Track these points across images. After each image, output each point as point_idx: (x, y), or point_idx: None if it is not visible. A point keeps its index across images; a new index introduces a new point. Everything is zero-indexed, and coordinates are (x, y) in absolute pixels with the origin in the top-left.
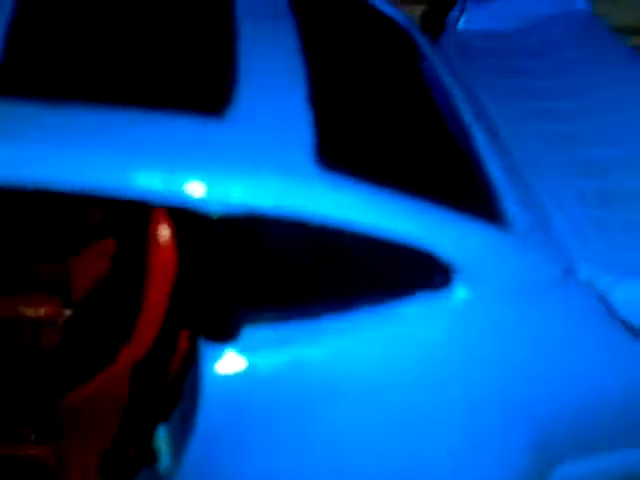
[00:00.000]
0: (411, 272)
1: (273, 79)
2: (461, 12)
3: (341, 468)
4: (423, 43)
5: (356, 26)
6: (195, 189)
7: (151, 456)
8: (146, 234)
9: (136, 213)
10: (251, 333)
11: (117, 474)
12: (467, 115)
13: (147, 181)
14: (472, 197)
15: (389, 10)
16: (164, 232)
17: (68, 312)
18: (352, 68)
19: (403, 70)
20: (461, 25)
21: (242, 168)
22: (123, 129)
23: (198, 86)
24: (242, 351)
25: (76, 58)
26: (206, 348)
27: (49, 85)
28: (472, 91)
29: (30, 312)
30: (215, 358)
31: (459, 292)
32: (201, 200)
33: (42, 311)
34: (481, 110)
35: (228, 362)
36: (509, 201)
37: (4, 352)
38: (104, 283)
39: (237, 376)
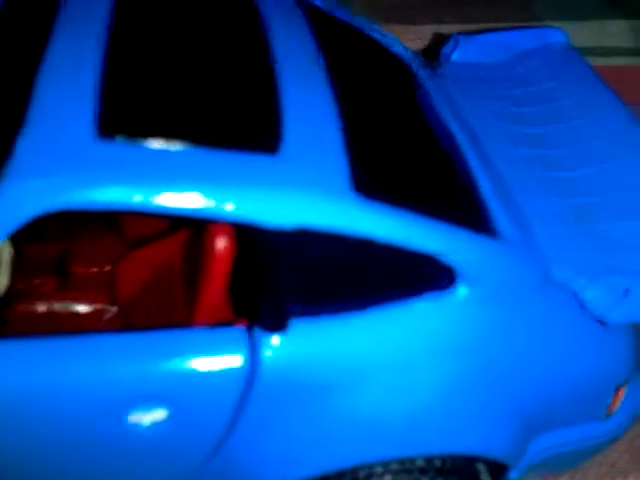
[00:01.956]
0: (424, 275)
1: (311, 116)
2: (455, 45)
3: (363, 429)
4: (424, 76)
5: (372, 63)
6: (260, 211)
7: None
8: (201, 243)
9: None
10: (296, 325)
11: None
12: (464, 142)
13: (230, 207)
14: (470, 214)
15: (396, 46)
16: (221, 243)
17: (113, 309)
18: (370, 103)
19: (409, 102)
20: (455, 57)
21: (295, 195)
22: (212, 168)
23: (256, 129)
24: (290, 338)
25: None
26: (261, 335)
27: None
28: (466, 118)
29: (80, 308)
30: (269, 343)
31: (461, 291)
32: (264, 219)
33: (91, 307)
34: (474, 136)
35: (279, 347)
36: (499, 217)
37: None
38: (158, 282)
39: (285, 357)
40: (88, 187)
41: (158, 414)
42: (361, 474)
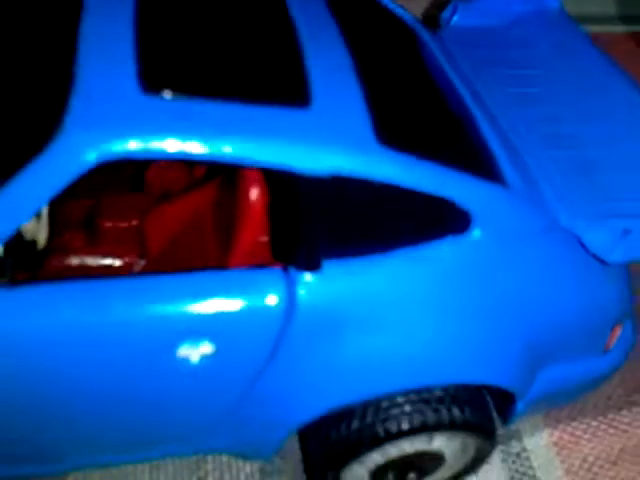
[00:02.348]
0: (444, 219)
1: (332, 74)
2: (453, 10)
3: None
4: (428, 39)
5: (377, 24)
6: (299, 159)
7: None
8: (233, 194)
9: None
10: (329, 265)
11: None
12: (470, 100)
13: (270, 156)
14: (482, 165)
15: (399, 11)
16: (254, 193)
17: (142, 262)
18: (382, 62)
19: (418, 62)
20: (454, 22)
21: (328, 144)
22: (257, 120)
23: (287, 86)
24: (323, 277)
25: (192, 60)
26: (297, 275)
27: (185, 84)
28: (469, 79)
29: (111, 261)
30: (304, 282)
31: (475, 233)
32: (302, 166)
33: (121, 260)
34: (476, 94)
35: (313, 285)
36: (507, 168)
37: None
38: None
39: (319, 295)
40: (143, 137)
41: (205, 348)
42: (384, 404)
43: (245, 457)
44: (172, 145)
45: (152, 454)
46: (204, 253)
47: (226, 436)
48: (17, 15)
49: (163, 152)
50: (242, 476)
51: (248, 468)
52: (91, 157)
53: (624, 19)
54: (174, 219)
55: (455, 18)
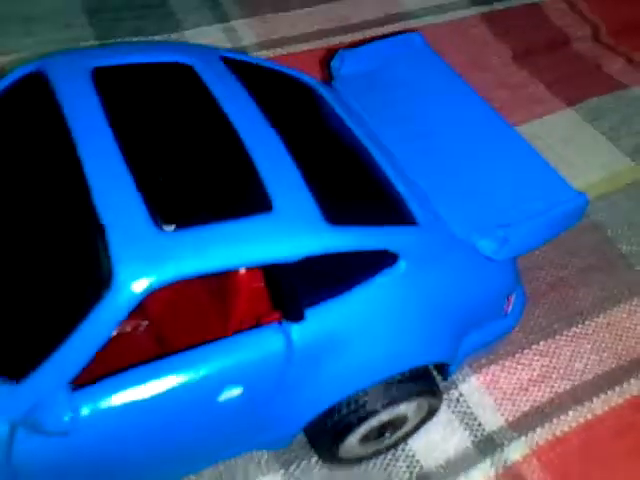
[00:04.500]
0: (379, 261)
1: (279, 173)
2: (341, 60)
3: (366, 353)
4: (329, 97)
5: (290, 100)
6: (277, 254)
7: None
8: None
9: None
10: (309, 312)
11: None
12: (372, 147)
13: (258, 257)
14: (400, 213)
15: (305, 79)
16: (241, 270)
17: (145, 323)
18: (305, 139)
19: (330, 127)
20: (342, 70)
21: (294, 236)
22: (244, 233)
23: (254, 197)
24: (307, 323)
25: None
26: (289, 325)
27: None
28: (366, 125)
29: (122, 327)
30: (296, 328)
31: (401, 265)
32: (283, 257)
33: (129, 326)
34: (375, 139)
35: (302, 330)
36: (416, 209)
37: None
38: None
39: (306, 336)
40: (175, 266)
41: (236, 391)
42: (361, 394)
43: (268, 448)
44: (194, 267)
45: (202, 466)
46: (205, 315)
47: (257, 439)
48: (18, 169)
49: (188, 274)
50: (262, 461)
51: (265, 456)
52: (144, 291)
53: (474, 1)
54: (167, 288)
55: (344, 68)
